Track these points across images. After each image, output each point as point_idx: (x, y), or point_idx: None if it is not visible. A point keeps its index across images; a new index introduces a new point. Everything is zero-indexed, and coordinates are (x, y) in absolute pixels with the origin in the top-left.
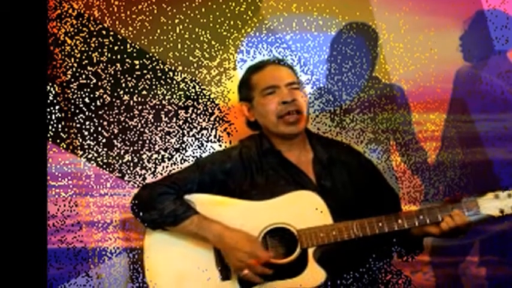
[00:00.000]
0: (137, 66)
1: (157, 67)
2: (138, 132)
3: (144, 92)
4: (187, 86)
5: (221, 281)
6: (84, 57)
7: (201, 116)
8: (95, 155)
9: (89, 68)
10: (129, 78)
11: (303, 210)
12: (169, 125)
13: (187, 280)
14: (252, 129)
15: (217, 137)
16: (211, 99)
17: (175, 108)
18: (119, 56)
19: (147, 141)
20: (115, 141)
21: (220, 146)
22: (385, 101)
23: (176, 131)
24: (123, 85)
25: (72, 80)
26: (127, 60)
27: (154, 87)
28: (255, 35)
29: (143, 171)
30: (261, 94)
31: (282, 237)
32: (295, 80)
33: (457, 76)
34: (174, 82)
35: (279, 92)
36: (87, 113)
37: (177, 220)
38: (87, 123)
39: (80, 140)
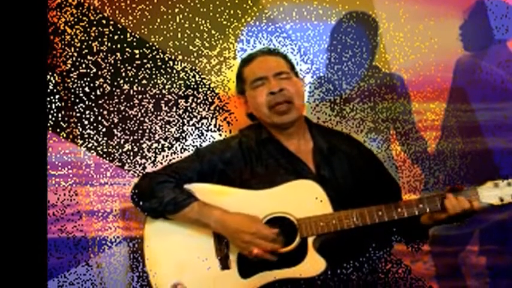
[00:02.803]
0: (137, 56)
1: (157, 56)
2: (138, 121)
3: (144, 82)
4: (187, 75)
5: (221, 270)
6: (84, 46)
7: (201, 105)
8: (95, 144)
9: (89, 57)
10: (129, 68)
11: (303, 199)
12: (169, 114)
13: (187, 269)
14: (251, 119)
15: (217, 126)
16: (211, 89)
17: (175, 97)
18: (118, 46)
19: (147, 131)
20: (115, 130)
21: (220, 135)
22: (385, 90)
23: (176, 120)
24: (123, 74)
25: (72, 69)
26: (127, 49)
27: (154, 76)
28: (255, 24)
29: (143, 161)
30: (250, 87)
31: (282, 226)
32: (285, 70)
33: (457, 65)
34: (174, 71)
35: (267, 83)
36: (87, 102)
37: (178, 207)
38: (87, 112)
39: (80, 129)
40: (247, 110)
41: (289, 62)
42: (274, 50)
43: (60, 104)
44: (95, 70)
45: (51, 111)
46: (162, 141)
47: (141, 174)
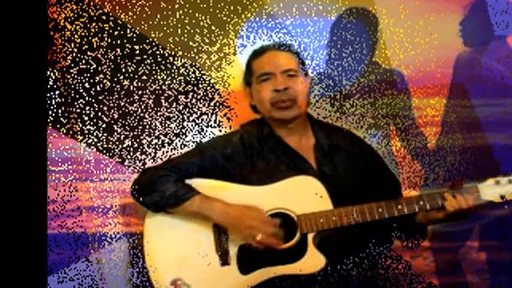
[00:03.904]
0: (137, 52)
1: (157, 52)
2: (138, 117)
3: (144, 77)
4: (187, 71)
5: (221, 266)
6: (84, 42)
7: (201, 101)
8: (95, 140)
9: (89, 53)
10: (129, 63)
11: (303, 195)
12: (169, 110)
13: (187, 265)
14: (254, 111)
15: (217, 122)
16: (211, 85)
17: (175, 93)
18: (118, 41)
19: (147, 126)
20: (115, 126)
21: (220, 131)
22: (385, 86)
23: (176, 116)
24: (123, 70)
25: (72, 65)
26: (127, 45)
27: (154, 72)
28: (255, 20)
29: (143, 156)
30: (257, 80)
31: (282, 222)
32: (293, 67)
33: (457, 61)
34: (174, 67)
35: (273, 79)
36: (87, 98)
37: (179, 201)
38: (87, 108)
39: (80, 125)
40: (251, 101)
41: (300, 59)
42: (287, 46)
43: (60, 100)
44: (95, 66)
45: (51, 107)
46: (162, 137)
47: (141, 170)
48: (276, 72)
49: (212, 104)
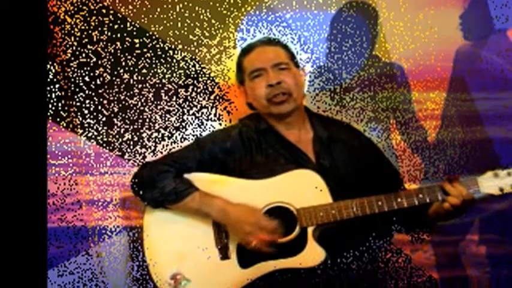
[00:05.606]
0: (137, 45)
1: (157, 46)
2: (138, 110)
3: (144, 71)
4: (187, 64)
5: (220, 260)
6: (84, 35)
7: (201, 94)
8: (95, 133)
9: (89, 46)
10: (129, 57)
11: (303, 189)
12: (169, 104)
13: (186, 259)
14: (251, 109)
15: (217, 115)
16: (211, 78)
17: (175, 86)
18: (118, 35)
19: (147, 120)
20: (115, 119)
21: (220, 124)
22: (385, 79)
23: (176, 110)
24: (123, 64)
25: (72, 58)
26: (127, 38)
27: (154, 65)
28: (255, 13)
29: (143, 150)
30: (249, 77)
31: (282, 216)
32: (284, 60)
33: (457, 55)
34: (174, 61)
35: (265, 74)
36: (87, 92)
37: (179, 197)
38: (87, 101)
39: (80, 119)
40: (247, 99)
41: (289, 52)
42: (274, 40)
43: (60, 94)
44: (95, 59)
45: (51, 101)
46: (162, 131)
47: (141, 163)
48: (267, 67)
49: (212, 97)
